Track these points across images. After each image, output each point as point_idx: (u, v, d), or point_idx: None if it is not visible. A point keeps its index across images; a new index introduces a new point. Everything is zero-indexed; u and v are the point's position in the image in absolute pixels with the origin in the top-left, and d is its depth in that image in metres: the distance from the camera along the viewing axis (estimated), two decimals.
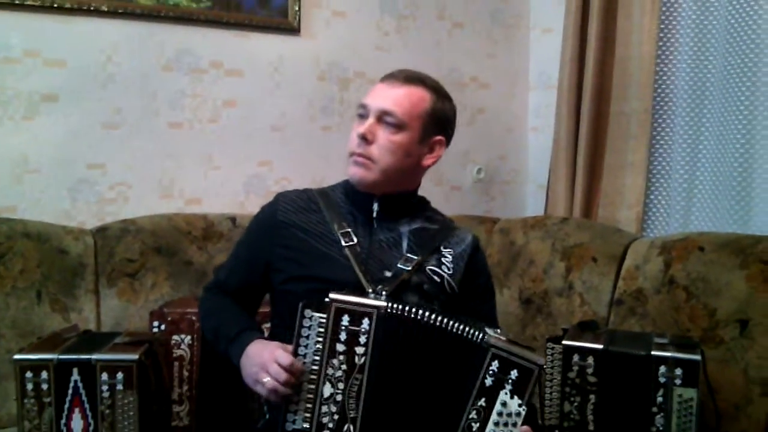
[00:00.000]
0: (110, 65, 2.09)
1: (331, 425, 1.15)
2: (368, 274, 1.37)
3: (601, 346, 1.58)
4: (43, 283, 1.87)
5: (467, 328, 1.17)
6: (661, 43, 2.31)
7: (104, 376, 1.43)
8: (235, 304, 1.49)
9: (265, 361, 1.25)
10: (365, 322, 1.16)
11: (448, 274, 1.44)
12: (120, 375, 1.44)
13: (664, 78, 2.34)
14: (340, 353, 1.16)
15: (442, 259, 1.45)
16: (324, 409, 1.15)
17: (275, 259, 1.45)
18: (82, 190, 2.09)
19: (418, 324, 1.18)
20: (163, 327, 1.73)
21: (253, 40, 2.33)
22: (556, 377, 1.64)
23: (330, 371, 1.16)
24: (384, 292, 1.29)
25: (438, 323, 1.18)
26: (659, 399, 1.52)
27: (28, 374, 1.43)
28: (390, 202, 1.46)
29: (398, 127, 1.39)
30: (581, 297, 2.16)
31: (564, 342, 1.62)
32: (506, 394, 1.12)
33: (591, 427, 1.58)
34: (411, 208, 1.51)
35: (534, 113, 2.90)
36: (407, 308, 1.19)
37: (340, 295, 1.18)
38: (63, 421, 1.44)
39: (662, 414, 1.51)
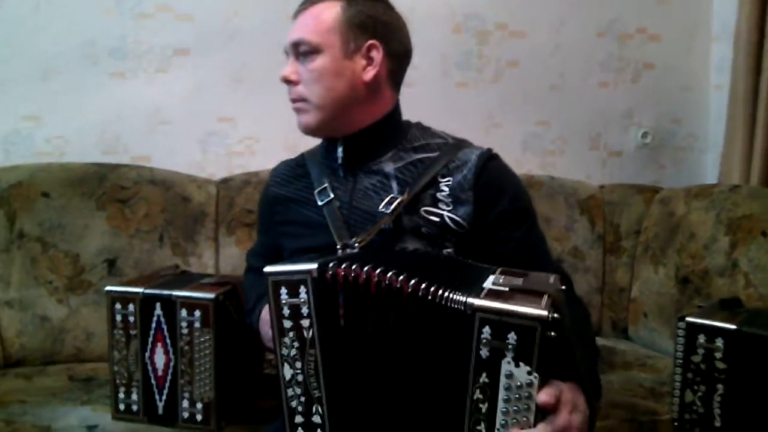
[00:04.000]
0: (236, 19, 2.12)
1: (300, 408, 1.01)
2: (348, 228, 1.21)
3: (733, 326, 1.29)
4: (165, 227, 1.94)
5: (442, 288, 0.92)
6: None
7: (183, 312, 1.43)
8: (260, 279, 1.41)
9: (265, 329, 1.20)
10: (302, 290, 0.98)
11: (447, 210, 1.20)
12: (197, 312, 1.42)
13: None
14: (288, 330, 1.00)
15: (438, 194, 1.22)
16: (290, 392, 1.01)
17: (278, 237, 1.37)
18: (212, 143, 2.16)
19: (366, 283, 0.96)
20: None
21: None
22: (679, 359, 1.37)
23: (284, 351, 1.00)
24: (357, 245, 1.12)
25: (390, 281, 0.95)
26: None
27: (117, 306, 1.46)
28: (358, 141, 1.27)
29: (313, 52, 1.22)
30: (746, 278, 1.81)
31: (687, 319, 1.34)
32: (509, 363, 0.86)
33: (717, 423, 1.30)
34: (391, 139, 1.29)
35: (717, 69, 2.49)
36: (345, 265, 0.98)
37: (276, 266, 1.02)
38: (147, 354, 1.46)
39: None
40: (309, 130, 1.29)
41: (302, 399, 1.01)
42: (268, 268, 1.01)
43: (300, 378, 1.01)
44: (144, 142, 2.11)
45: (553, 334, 0.86)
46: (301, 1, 1.30)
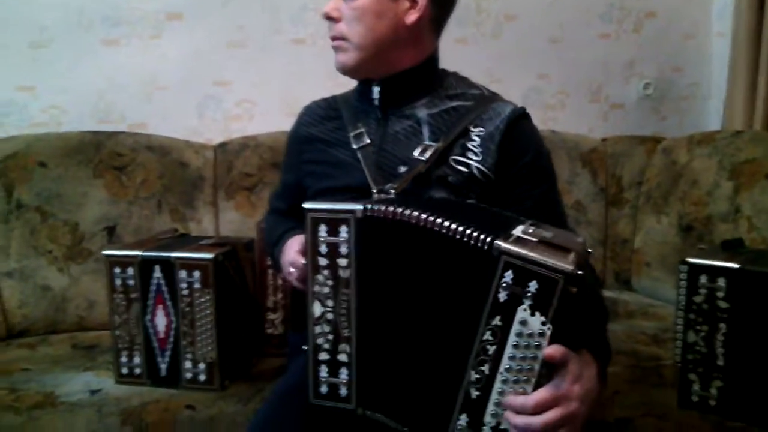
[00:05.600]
0: None
1: (327, 346, 1.01)
2: (380, 172, 1.19)
3: (736, 265, 1.27)
4: (163, 194, 1.94)
5: (472, 230, 0.91)
6: None
7: (182, 273, 1.43)
8: (286, 219, 1.39)
9: (286, 252, 1.17)
10: (343, 229, 0.99)
11: (475, 160, 1.18)
12: (197, 273, 1.42)
13: None
14: (323, 267, 1.00)
15: (468, 144, 1.20)
16: (317, 329, 1.01)
17: (303, 177, 1.34)
18: (209, 107, 2.14)
19: (407, 226, 0.96)
20: None
21: None
22: (681, 302, 1.37)
23: (317, 288, 1.00)
24: (392, 191, 1.11)
25: (431, 224, 0.94)
26: None
27: (117, 270, 1.46)
28: (395, 84, 1.25)
29: None
30: (749, 221, 1.80)
31: (689, 260, 1.33)
32: (525, 310, 0.86)
33: (720, 362, 1.29)
34: (427, 85, 1.27)
35: (718, 16, 2.44)
36: (391, 208, 0.97)
37: (317, 203, 1.01)
38: (148, 317, 1.46)
39: None
40: (346, 70, 1.26)
41: (330, 337, 1.01)
42: (308, 204, 1.01)
43: (330, 316, 1.01)
44: (140, 109, 2.09)
45: (574, 290, 0.85)
46: None
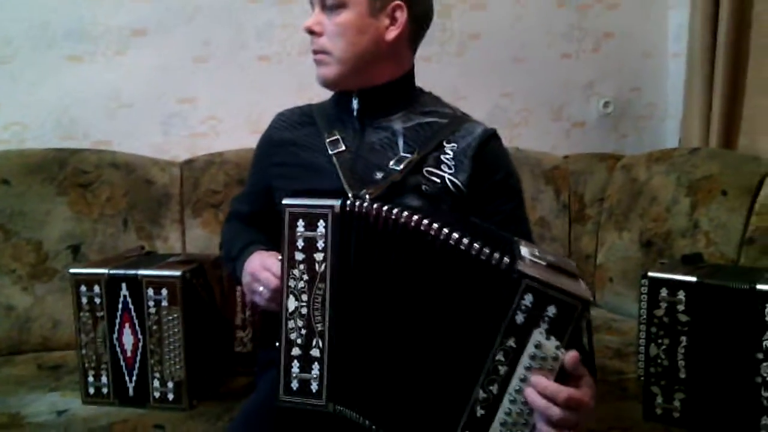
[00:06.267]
0: None
1: (299, 341, 1.03)
2: (355, 178, 1.22)
3: (693, 279, 1.32)
4: (129, 211, 1.92)
5: (481, 245, 0.92)
6: None
7: (150, 291, 1.42)
8: (246, 228, 1.40)
9: (255, 270, 1.17)
10: (321, 224, 1.01)
11: (449, 173, 1.24)
12: (164, 291, 1.41)
13: None
14: (300, 262, 1.02)
15: (442, 156, 1.25)
16: (290, 324, 1.03)
17: (272, 179, 1.36)
18: (175, 124, 2.13)
19: (393, 225, 0.98)
20: None
21: None
22: (643, 316, 1.40)
23: (292, 283, 1.02)
24: (368, 196, 1.13)
25: (429, 229, 0.95)
26: (766, 343, 1.23)
27: (83, 288, 1.45)
28: (373, 96, 1.30)
29: (339, 6, 1.24)
30: (707, 237, 1.85)
31: (650, 274, 1.37)
32: (541, 333, 0.88)
33: (682, 375, 1.33)
34: (403, 100, 1.33)
35: (674, 37, 2.52)
36: (373, 206, 1.00)
37: (294, 198, 1.04)
38: (115, 335, 1.45)
39: None
40: (327, 83, 1.31)
41: (303, 332, 1.03)
42: (287, 200, 1.04)
43: (304, 311, 1.02)
44: (104, 126, 2.07)
45: (588, 316, 0.89)
46: None
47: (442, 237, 0.95)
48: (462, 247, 0.93)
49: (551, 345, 0.89)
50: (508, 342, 0.90)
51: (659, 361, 1.34)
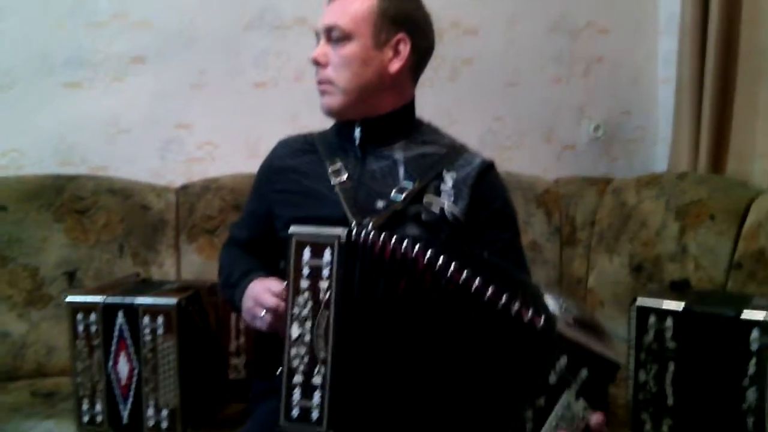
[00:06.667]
0: (193, 26, 2.12)
1: (302, 368, 1.04)
2: (357, 207, 1.25)
3: (680, 307, 1.34)
4: (125, 237, 1.94)
5: (513, 300, 0.94)
6: None
7: (146, 319, 1.44)
8: (244, 254, 1.43)
9: (257, 294, 1.20)
10: (327, 253, 1.03)
11: (447, 202, 1.28)
12: (160, 319, 1.44)
13: None
14: (305, 290, 1.04)
15: (441, 186, 1.29)
16: (293, 351, 1.04)
17: (273, 206, 1.39)
18: (171, 150, 2.16)
19: (402, 257, 1.01)
20: None
21: None
22: (632, 342, 1.42)
23: (296, 310, 1.04)
24: (370, 224, 1.16)
25: (441, 268, 0.98)
26: (751, 370, 1.26)
27: (79, 316, 1.47)
28: (375, 126, 1.34)
29: (345, 38, 1.28)
30: (696, 261, 1.87)
31: (638, 301, 1.40)
32: (571, 395, 0.90)
33: (670, 401, 1.35)
34: (404, 130, 1.37)
35: (664, 62, 2.55)
36: (380, 237, 1.03)
37: (301, 227, 1.06)
38: (110, 364, 1.46)
39: (755, 387, 1.26)
40: (331, 112, 1.35)
41: (305, 359, 1.04)
42: (294, 229, 1.07)
43: (307, 338, 1.04)
44: (102, 152, 2.10)
45: (616, 378, 0.91)
46: None
47: (461, 282, 0.97)
48: (487, 297, 0.95)
49: (580, 406, 0.90)
50: (538, 401, 0.91)
51: (648, 387, 1.37)
